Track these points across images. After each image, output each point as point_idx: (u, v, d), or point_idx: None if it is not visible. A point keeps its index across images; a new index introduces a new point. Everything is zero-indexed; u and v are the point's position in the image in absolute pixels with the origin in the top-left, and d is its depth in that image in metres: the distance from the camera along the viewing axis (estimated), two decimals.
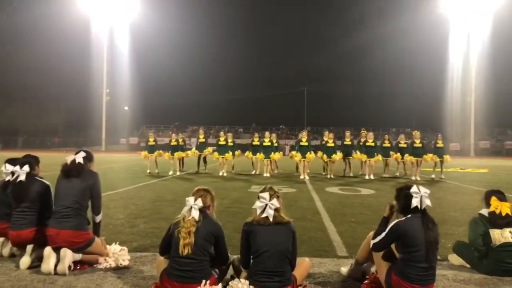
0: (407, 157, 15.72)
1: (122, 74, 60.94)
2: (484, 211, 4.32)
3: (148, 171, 16.23)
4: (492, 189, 4.47)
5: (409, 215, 3.48)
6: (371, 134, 16.30)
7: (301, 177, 15.04)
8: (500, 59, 52.94)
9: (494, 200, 4.26)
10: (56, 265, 3.97)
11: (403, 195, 3.54)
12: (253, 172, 16.25)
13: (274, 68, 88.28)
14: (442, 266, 4.40)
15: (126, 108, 66.10)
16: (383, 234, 3.54)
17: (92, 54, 58.76)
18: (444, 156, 16.15)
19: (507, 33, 52.72)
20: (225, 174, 15.76)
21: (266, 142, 16.41)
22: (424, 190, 3.50)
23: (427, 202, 3.46)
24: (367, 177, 15.10)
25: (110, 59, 60.43)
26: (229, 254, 3.82)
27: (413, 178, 15.03)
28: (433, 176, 15.69)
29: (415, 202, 3.45)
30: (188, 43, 77.31)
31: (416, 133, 16.33)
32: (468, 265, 4.38)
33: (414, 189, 3.51)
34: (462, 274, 4.21)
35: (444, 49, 58.98)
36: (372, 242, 3.66)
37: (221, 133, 17.67)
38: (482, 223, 4.27)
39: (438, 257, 4.51)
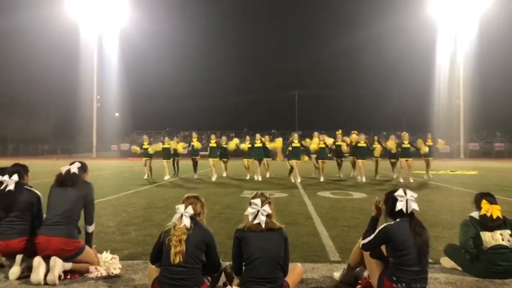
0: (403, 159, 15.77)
1: (112, 81, 60.76)
2: (475, 214, 4.34)
3: (145, 176, 16.14)
4: (482, 192, 4.50)
5: (398, 219, 3.50)
6: (362, 136, 16.34)
7: (298, 180, 15.00)
8: (487, 60, 53.52)
9: (484, 203, 4.28)
10: (46, 275, 3.92)
11: (390, 198, 3.58)
12: (247, 178, 16.10)
13: (265, 72, 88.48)
14: (434, 269, 4.41)
15: (116, 114, 65.82)
16: (372, 236, 3.60)
17: (82, 60, 58.50)
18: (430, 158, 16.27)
19: (494, 34, 53.45)
20: (213, 179, 15.69)
21: (258, 144, 16.40)
22: (410, 194, 3.52)
23: (414, 206, 3.48)
24: (359, 178, 15.20)
25: (100, 66, 60.26)
26: (221, 261, 3.80)
27: (411, 180, 15.05)
28: (425, 177, 15.79)
29: (399, 205, 3.49)
30: (178, 49, 77.24)
31: (405, 135, 16.38)
32: (459, 268, 4.40)
33: (399, 192, 3.55)
34: (453, 277, 4.23)
35: (432, 51, 59.52)
36: (362, 242, 3.73)
37: (212, 136, 17.57)
38: (473, 226, 4.28)
39: (430, 260, 4.53)
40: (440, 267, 4.56)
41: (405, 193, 3.54)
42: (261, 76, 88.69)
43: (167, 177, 15.98)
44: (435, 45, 59.30)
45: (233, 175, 17.78)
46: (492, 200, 4.33)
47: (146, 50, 69.69)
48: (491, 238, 4.18)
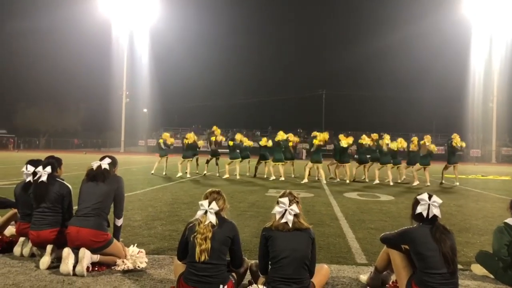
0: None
1: (141, 77, 61.72)
2: (510, 220, 4.20)
3: (181, 173, 16.19)
4: None
5: (421, 223, 3.47)
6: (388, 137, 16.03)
7: (324, 181, 14.96)
8: None
9: None
10: (74, 266, 4.00)
11: (414, 202, 3.56)
12: (271, 178, 15.98)
13: (292, 71, 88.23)
14: (464, 276, 4.29)
15: (145, 110, 66.80)
16: (393, 232, 3.66)
17: (113, 57, 59.65)
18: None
19: None
20: (238, 177, 15.74)
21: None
22: (433, 199, 3.44)
23: (435, 211, 3.40)
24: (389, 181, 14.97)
25: (130, 62, 61.22)
26: (246, 259, 3.79)
27: (427, 184, 14.67)
28: (457, 183, 15.32)
29: (420, 209, 3.45)
30: (206, 47, 77.95)
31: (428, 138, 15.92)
32: (491, 276, 4.26)
33: (422, 196, 3.50)
34: (485, 285, 4.10)
35: (465, 53, 58.04)
36: (382, 234, 3.81)
37: (238, 134, 17.57)
38: (507, 233, 4.14)
39: (460, 267, 4.41)
40: (471, 274, 4.43)
41: (429, 198, 3.46)
42: (289, 75, 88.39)
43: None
44: (469, 47, 57.80)
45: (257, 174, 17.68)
46: None
47: (175, 48, 70.62)
48: None
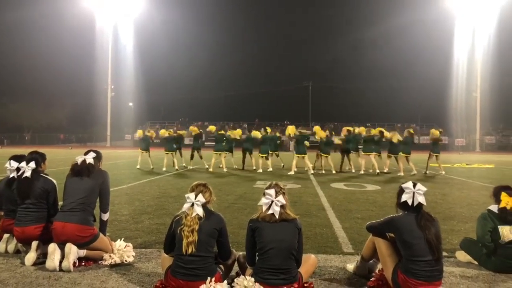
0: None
1: (126, 70, 61.06)
2: (493, 207, 4.27)
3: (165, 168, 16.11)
4: (501, 185, 4.41)
5: (406, 212, 3.51)
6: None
7: (311, 171, 15.15)
8: (505, 54, 52.67)
9: (504, 196, 4.20)
10: (60, 262, 3.97)
11: (399, 190, 3.61)
12: (259, 170, 16.03)
13: (279, 63, 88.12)
14: (449, 263, 4.36)
15: (130, 104, 66.27)
16: (379, 221, 3.71)
17: (97, 50, 58.85)
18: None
19: None
20: (225, 170, 15.74)
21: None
22: (418, 188, 3.48)
23: (420, 199, 3.45)
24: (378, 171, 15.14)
25: (115, 55, 60.49)
26: (234, 250, 3.80)
27: (400, 174, 14.80)
28: (442, 172, 15.52)
29: (405, 197, 3.50)
30: (192, 39, 77.39)
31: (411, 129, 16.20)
32: (475, 262, 4.34)
33: (407, 184, 3.56)
34: (469, 271, 4.17)
35: (449, 44, 58.60)
36: (368, 223, 3.87)
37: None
38: (491, 219, 4.21)
39: (445, 254, 4.48)
40: (456, 261, 4.50)
41: (414, 186, 3.50)
42: (275, 67, 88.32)
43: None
44: (452, 38, 58.36)
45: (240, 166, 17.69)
46: (511, 193, 4.25)
47: (160, 40, 69.97)
48: (509, 232, 4.10)
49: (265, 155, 16.08)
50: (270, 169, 15.84)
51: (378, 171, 15.09)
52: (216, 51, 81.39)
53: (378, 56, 73.95)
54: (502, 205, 4.18)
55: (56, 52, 62.15)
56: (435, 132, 15.88)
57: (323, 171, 15.54)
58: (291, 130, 16.29)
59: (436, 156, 15.63)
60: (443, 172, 15.46)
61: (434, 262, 3.33)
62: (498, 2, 52.86)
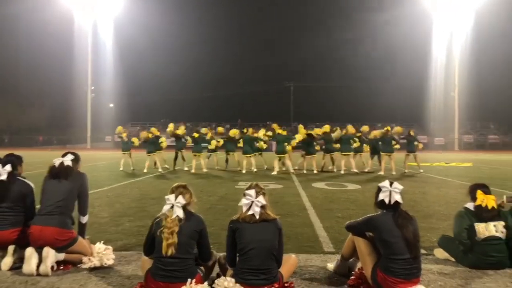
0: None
1: (106, 71, 60.29)
2: (470, 205, 4.35)
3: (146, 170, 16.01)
4: (476, 183, 4.51)
5: (384, 210, 3.56)
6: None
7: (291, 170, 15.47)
8: (482, 54, 53.77)
9: (480, 194, 4.29)
10: (38, 266, 3.90)
11: (377, 189, 3.66)
12: (243, 171, 16.06)
13: (260, 64, 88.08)
14: (427, 260, 4.43)
15: (111, 105, 65.51)
16: (358, 220, 3.75)
17: (76, 50, 57.98)
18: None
19: (490, 28, 53.56)
20: (205, 170, 15.71)
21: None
22: (395, 186, 3.53)
23: (397, 197, 3.50)
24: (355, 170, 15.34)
25: (95, 56, 59.69)
26: (214, 252, 3.80)
27: (381, 173, 15.00)
28: (421, 170, 15.78)
29: (382, 196, 3.54)
30: (173, 39, 76.76)
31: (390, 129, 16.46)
32: (453, 259, 4.42)
33: (384, 183, 3.60)
34: (447, 268, 4.24)
35: (428, 44, 59.54)
36: (347, 222, 3.92)
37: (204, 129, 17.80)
38: (467, 217, 4.29)
39: (423, 251, 4.56)
40: (434, 258, 4.57)
41: (390, 185, 3.55)
42: (257, 68, 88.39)
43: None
44: (430, 38, 59.33)
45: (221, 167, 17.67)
46: (487, 190, 4.34)
47: (141, 40, 69.25)
48: (485, 230, 4.19)
49: (249, 155, 16.04)
50: (255, 169, 15.87)
51: (356, 170, 15.37)
52: (198, 51, 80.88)
53: (357, 55, 74.60)
54: (477, 202, 4.27)
55: (34, 53, 61.09)
56: (398, 129, 16.31)
57: (305, 171, 15.63)
58: (301, 132, 16.36)
59: (414, 155, 15.86)
60: (421, 171, 15.72)
61: (412, 260, 3.38)
62: (475, 2, 53.93)
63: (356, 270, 3.89)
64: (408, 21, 59.52)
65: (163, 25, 72.04)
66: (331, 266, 4.14)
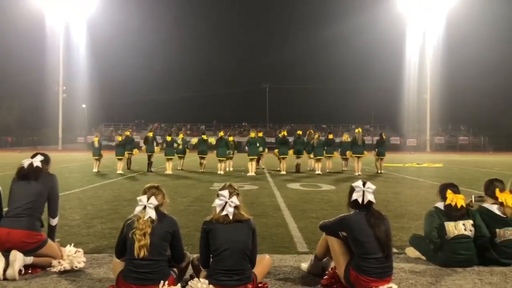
0: (349, 153, 16.23)
1: (78, 71, 59.27)
2: (440, 204, 4.44)
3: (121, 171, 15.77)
4: (446, 183, 4.60)
5: (357, 210, 3.60)
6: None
7: (283, 172, 15.71)
8: (454, 56, 55.18)
9: (449, 193, 4.37)
10: (5, 270, 3.77)
11: (350, 189, 3.70)
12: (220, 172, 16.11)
13: (236, 65, 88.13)
14: (399, 259, 4.49)
15: (83, 106, 64.34)
16: (331, 220, 3.78)
17: (47, 50, 56.81)
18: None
19: (461, 31, 55.00)
20: (169, 172, 15.76)
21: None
22: (368, 186, 3.59)
23: (370, 197, 3.55)
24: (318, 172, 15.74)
25: (67, 56, 58.62)
26: (188, 253, 3.76)
27: (356, 173, 15.26)
28: (380, 171, 16.27)
29: (355, 195, 3.59)
30: (147, 40, 76.10)
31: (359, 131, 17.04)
32: (424, 257, 4.49)
33: (357, 183, 3.65)
34: (418, 266, 4.31)
35: (401, 46, 60.84)
36: (321, 222, 3.96)
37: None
38: (437, 216, 4.37)
39: (395, 250, 4.63)
40: (405, 257, 4.64)
41: (363, 185, 3.60)
42: (232, 69, 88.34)
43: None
44: (404, 41, 60.67)
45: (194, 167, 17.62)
46: (456, 190, 4.43)
47: (114, 40, 68.29)
48: (454, 228, 4.28)
49: (222, 158, 16.09)
50: (231, 169, 16.06)
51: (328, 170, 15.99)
52: (173, 52, 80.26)
53: (332, 58, 75.53)
54: (447, 202, 4.36)
55: (4, 52, 59.49)
56: (345, 136, 17.58)
57: (284, 172, 15.77)
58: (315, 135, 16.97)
59: (381, 158, 16.23)
60: (380, 171, 16.16)
61: (384, 259, 3.42)
62: (447, 6, 55.27)
63: (330, 269, 3.91)
64: (382, 24, 60.74)
65: (137, 26, 71.41)
66: (305, 266, 4.15)
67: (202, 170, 16.42)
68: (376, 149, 16.37)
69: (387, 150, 16.72)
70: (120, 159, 15.98)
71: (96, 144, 16.51)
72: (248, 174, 14.94)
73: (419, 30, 59.09)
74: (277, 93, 75.76)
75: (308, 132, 18.14)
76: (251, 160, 15.63)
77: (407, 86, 60.36)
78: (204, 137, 16.96)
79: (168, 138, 16.86)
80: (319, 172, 15.62)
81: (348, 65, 74.40)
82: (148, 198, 3.37)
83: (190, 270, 3.76)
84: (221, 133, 17.08)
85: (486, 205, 4.55)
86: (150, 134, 17.68)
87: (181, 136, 17.56)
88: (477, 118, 62.32)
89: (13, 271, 3.75)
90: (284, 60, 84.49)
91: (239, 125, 65.49)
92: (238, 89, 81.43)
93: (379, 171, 16.15)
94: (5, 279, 3.75)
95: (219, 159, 16.02)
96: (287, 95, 78.70)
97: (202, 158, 16.81)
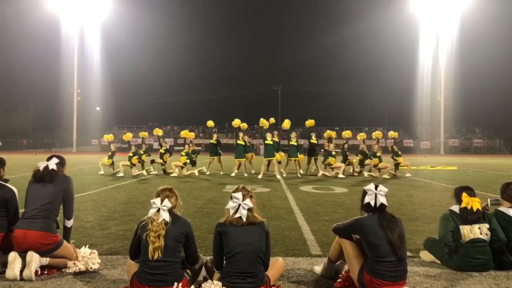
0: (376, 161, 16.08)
1: (93, 74, 60.02)
2: (455, 208, 4.39)
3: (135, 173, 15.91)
4: (461, 186, 4.55)
5: (370, 213, 3.59)
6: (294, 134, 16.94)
7: (284, 175, 15.73)
8: (468, 58, 54.70)
9: (465, 196, 4.33)
10: (22, 271, 3.83)
11: (363, 193, 3.70)
12: (232, 174, 16.16)
13: (249, 67, 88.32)
14: (413, 263, 4.46)
15: (97, 108, 65.05)
16: (345, 223, 3.77)
17: (63, 53, 57.62)
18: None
19: (475, 33, 54.46)
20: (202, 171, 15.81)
21: (240, 141, 16.55)
22: (380, 189, 3.57)
23: (382, 200, 3.53)
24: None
25: (81, 59, 59.39)
26: (201, 255, 3.78)
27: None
28: (407, 174, 16.05)
29: (368, 199, 3.59)
30: (160, 43, 76.72)
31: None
32: (438, 261, 4.45)
33: (369, 186, 3.65)
34: (433, 270, 4.27)
35: (414, 48, 60.38)
36: (334, 225, 3.94)
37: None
38: (452, 219, 4.33)
39: (409, 254, 4.59)
40: (420, 260, 4.60)
41: (376, 188, 3.58)
42: (245, 71, 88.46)
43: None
44: (417, 43, 60.19)
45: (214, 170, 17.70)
46: (471, 193, 4.38)
47: (128, 44, 69.22)
48: (470, 232, 4.23)
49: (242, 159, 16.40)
50: (245, 174, 16.24)
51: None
52: (186, 55, 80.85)
53: (345, 60, 75.55)
54: (463, 205, 4.31)
55: (20, 56, 60.57)
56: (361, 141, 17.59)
57: (299, 174, 15.87)
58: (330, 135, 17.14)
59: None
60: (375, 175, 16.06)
61: (398, 262, 3.40)
62: (461, 8, 54.74)
63: (343, 272, 3.90)
64: (395, 25, 60.38)
65: (150, 29, 72.02)
66: (318, 269, 4.14)
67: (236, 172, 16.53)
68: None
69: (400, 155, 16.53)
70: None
71: (113, 149, 16.92)
72: (259, 177, 14.94)
73: (432, 31, 58.61)
74: (290, 95, 75.77)
75: (326, 145, 17.56)
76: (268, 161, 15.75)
77: (421, 88, 59.89)
78: (240, 142, 16.75)
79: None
80: (342, 175, 15.57)
81: (361, 67, 74.31)
82: (162, 201, 3.39)
83: (203, 272, 3.77)
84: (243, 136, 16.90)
85: (502, 208, 4.50)
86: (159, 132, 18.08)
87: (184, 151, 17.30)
88: (492, 121, 61.65)
89: (29, 272, 3.81)
90: (296, 62, 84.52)
91: (251, 127, 65.55)
92: (251, 91, 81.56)
93: (395, 174, 16.07)
94: (21, 279, 3.81)
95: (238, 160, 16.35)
96: (300, 97, 78.68)
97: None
